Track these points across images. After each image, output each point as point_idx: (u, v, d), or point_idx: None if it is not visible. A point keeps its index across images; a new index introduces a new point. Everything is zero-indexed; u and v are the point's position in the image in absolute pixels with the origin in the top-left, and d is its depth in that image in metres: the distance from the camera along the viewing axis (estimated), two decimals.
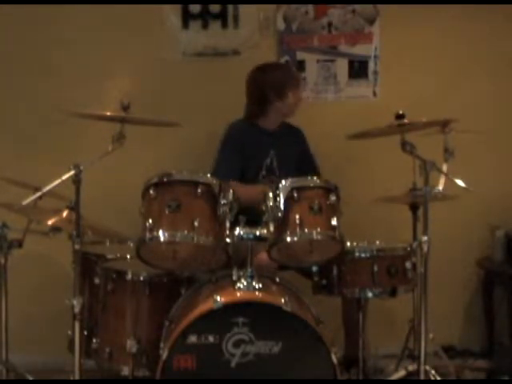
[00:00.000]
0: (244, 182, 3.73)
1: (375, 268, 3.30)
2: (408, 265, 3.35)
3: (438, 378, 3.33)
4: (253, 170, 3.84)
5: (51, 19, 4.22)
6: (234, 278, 3.11)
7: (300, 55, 4.35)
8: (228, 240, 3.07)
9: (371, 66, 4.35)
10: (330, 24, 4.33)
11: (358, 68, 4.36)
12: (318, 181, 3.19)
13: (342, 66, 4.35)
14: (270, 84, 3.84)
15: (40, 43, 4.24)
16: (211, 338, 2.91)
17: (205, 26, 4.32)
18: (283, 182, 3.11)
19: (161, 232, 3.03)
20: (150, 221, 3.04)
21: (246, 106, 3.93)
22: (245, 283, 3.06)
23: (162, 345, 3.05)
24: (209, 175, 3.19)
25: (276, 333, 2.92)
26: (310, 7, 4.33)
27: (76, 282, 3.08)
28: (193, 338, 2.90)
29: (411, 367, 3.39)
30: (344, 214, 3.14)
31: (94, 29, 4.24)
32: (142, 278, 3.33)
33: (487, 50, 4.33)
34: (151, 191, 3.09)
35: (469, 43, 4.33)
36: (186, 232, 3.02)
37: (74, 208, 3.05)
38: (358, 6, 4.32)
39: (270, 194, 3.09)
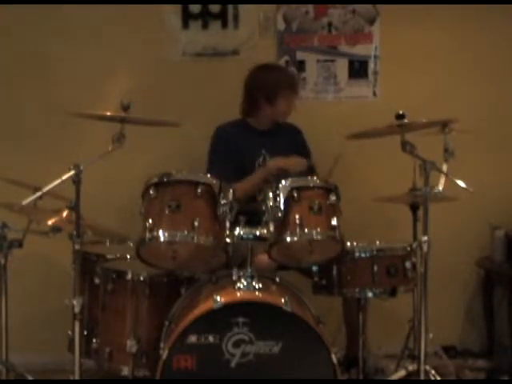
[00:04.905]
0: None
1: (375, 268, 3.30)
2: (408, 265, 3.35)
3: (438, 378, 3.33)
4: (246, 170, 3.80)
5: (51, 19, 4.22)
6: (234, 277, 3.10)
7: (300, 55, 4.35)
8: (228, 240, 3.07)
9: (371, 66, 4.35)
10: (330, 24, 4.33)
11: (358, 68, 4.35)
12: (317, 181, 3.18)
13: (342, 66, 4.35)
14: (260, 86, 3.78)
15: (40, 43, 4.24)
16: (211, 338, 2.90)
17: (205, 26, 4.31)
18: (283, 181, 3.11)
19: (161, 232, 3.03)
20: (150, 221, 3.04)
21: (241, 102, 3.88)
22: (245, 283, 3.05)
23: (162, 345, 3.05)
24: (209, 175, 3.19)
25: (276, 333, 2.92)
26: (310, 7, 4.32)
27: (76, 282, 3.08)
28: (193, 338, 2.90)
29: (411, 367, 3.39)
30: (344, 213, 3.14)
31: (94, 29, 4.24)
32: (142, 278, 3.33)
33: (487, 50, 4.33)
34: (151, 191, 3.09)
35: (469, 43, 4.32)
36: (185, 232, 3.02)
37: (74, 208, 3.05)
38: (358, 6, 4.32)
39: (270, 194, 3.09)
